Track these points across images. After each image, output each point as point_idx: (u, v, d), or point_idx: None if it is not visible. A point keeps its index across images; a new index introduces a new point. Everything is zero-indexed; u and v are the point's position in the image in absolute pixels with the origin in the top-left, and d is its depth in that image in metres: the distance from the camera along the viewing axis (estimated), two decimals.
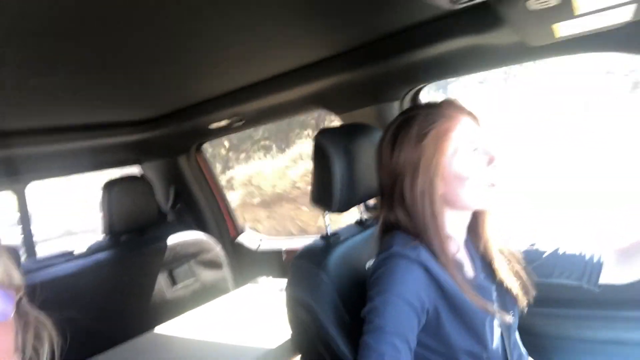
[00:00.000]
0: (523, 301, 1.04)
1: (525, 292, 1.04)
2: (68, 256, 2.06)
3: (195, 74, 1.55)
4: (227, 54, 1.34)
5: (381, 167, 1.05)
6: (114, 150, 2.36)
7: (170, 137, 2.31)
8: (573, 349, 1.11)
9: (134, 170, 2.63)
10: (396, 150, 1.01)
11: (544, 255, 1.09)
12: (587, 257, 1.06)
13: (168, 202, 2.56)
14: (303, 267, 1.20)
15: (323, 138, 1.23)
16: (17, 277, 0.58)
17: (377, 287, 0.92)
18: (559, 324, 1.15)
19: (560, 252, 1.09)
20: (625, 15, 0.98)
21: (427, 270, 0.93)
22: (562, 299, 1.10)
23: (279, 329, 1.52)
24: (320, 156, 1.22)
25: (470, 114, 1.02)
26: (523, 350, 1.07)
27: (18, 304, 0.57)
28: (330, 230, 1.30)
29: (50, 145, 1.99)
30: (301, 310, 1.14)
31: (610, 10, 0.94)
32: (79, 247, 2.26)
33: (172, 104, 2.00)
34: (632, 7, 0.93)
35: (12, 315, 0.55)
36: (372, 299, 0.92)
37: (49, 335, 0.61)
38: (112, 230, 2.01)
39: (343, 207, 1.24)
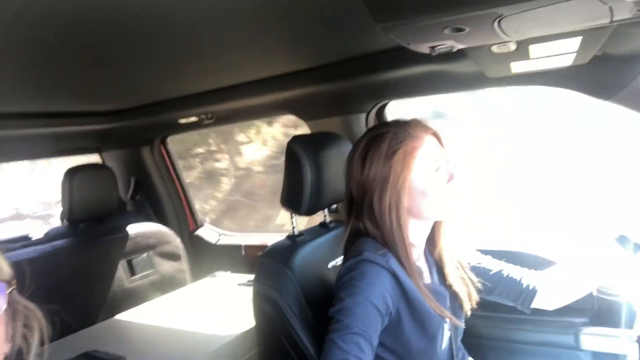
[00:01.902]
0: (468, 305, 1.15)
1: (470, 298, 1.16)
2: (25, 241, 2.04)
3: (165, 73, 1.58)
4: (200, 57, 1.38)
5: (351, 179, 1.13)
6: (74, 138, 2.34)
7: (134, 129, 2.32)
8: (508, 349, 1.24)
9: (94, 158, 2.61)
10: (367, 165, 1.08)
11: (489, 274, 1.21)
12: (525, 284, 1.18)
13: (128, 192, 2.57)
14: (270, 264, 1.28)
15: (296, 144, 1.31)
16: (7, 270, 0.58)
17: (348, 290, 0.99)
18: (497, 327, 1.28)
19: (504, 274, 1.21)
20: (566, 60, 1.14)
21: (395, 276, 1.02)
22: (501, 304, 1.23)
23: (238, 321, 1.59)
24: (293, 161, 1.30)
25: (434, 133, 1.11)
26: (464, 350, 1.20)
27: (9, 296, 0.57)
28: (297, 231, 1.39)
29: (10, 130, 1.96)
30: (267, 305, 1.22)
31: (556, 56, 1.10)
32: (35, 233, 2.24)
33: (139, 98, 2.02)
34: (572, 56, 1.09)
35: (4, 308, 0.55)
36: (342, 300, 0.99)
37: (39, 324, 0.63)
38: (72, 217, 2.01)
39: (311, 210, 1.33)
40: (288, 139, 1.35)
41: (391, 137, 1.07)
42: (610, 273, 1.15)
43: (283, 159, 1.35)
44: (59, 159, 2.67)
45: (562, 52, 1.06)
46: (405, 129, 1.09)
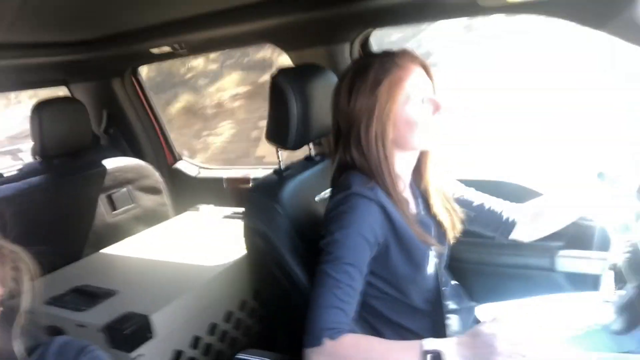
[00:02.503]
0: (452, 234, 1.20)
1: (454, 227, 1.20)
2: None
3: None
4: None
5: (338, 111, 1.12)
6: (41, 70, 2.21)
7: (103, 60, 2.20)
8: (489, 272, 1.32)
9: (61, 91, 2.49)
10: (353, 96, 1.07)
11: (471, 205, 1.26)
12: (505, 216, 1.25)
13: (100, 126, 2.48)
14: (258, 199, 1.28)
15: (280, 77, 1.28)
16: None
17: (338, 223, 1.01)
18: (478, 252, 1.36)
19: (486, 206, 1.27)
20: None
21: (383, 209, 1.04)
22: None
23: (226, 252, 1.62)
24: (277, 95, 1.27)
25: (422, 64, 1.10)
26: (447, 274, 1.27)
27: None
28: (283, 165, 1.38)
29: None
30: (258, 239, 1.24)
31: None
32: (6, 169, 2.17)
33: (109, 27, 1.90)
34: None
35: None
36: (332, 233, 1.01)
37: (27, 266, 0.64)
38: (44, 153, 1.94)
39: (297, 145, 1.32)
40: None
41: (377, 68, 1.06)
42: (587, 207, 1.22)
43: None
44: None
45: None
46: (392, 59, 1.07)
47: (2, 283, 0.61)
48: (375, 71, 1.06)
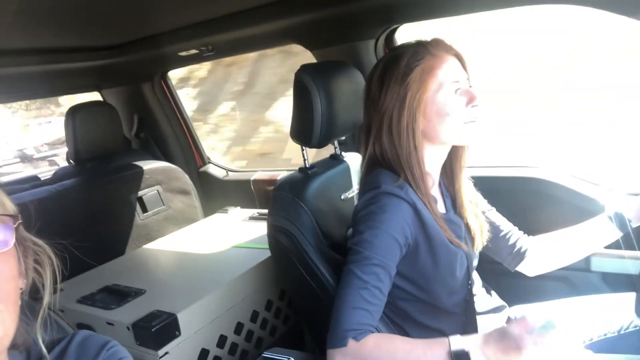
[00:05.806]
0: (479, 240, 1.16)
1: (482, 234, 1.17)
2: (34, 181, 2.04)
3: (163, 2, 1.50)
4: None
5: (369, 102, 1.10)
6: (73, 76, 2.28)
7: (133, 64, 2.25)
8: (521, 273, 1.28)
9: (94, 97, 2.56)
10: (384, 85, 1.05)
11: (491, 226, 1.22)
12: (517, 247, 1.24)
13: (132, 130, 2.53)
14: (284, 197, 1.27)
15: (304, 73, 1.26)
16: (10, 205, 0.60)
17: (368, 223, 0.99)
18: None
19: (502, 230, 1.25)
20: None
21: (414, 207, 1.01)
22: None
23: (253, 253, 1.62)
24: (302, 92, 1.26)
25: (456, 54, 1.07)
26: (478, 275, 1.23)
27: (16, 231, 0.59)
28: (308, 163, 1.37)
29: (7, 69, 1.90)
30: (283, 237, 1.22)
31: None
32: (42, 173, 2.24)
33: (138, 31, 1.95)
34: None
35: (12, 243, 0.57)
36: (362, 233, 0.98)
37: (49, 259, 0.65)
38: (78, 156, 2.00)
39: (322, 143, 1.31)
40: None
41: (409, 56, 1.04)
42: (598, 247, 1.21)
43: None
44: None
45: None
46: (425, 47, 1.05)
47: (25, 276, 0.61)
48: (407, 59, 1.03)
